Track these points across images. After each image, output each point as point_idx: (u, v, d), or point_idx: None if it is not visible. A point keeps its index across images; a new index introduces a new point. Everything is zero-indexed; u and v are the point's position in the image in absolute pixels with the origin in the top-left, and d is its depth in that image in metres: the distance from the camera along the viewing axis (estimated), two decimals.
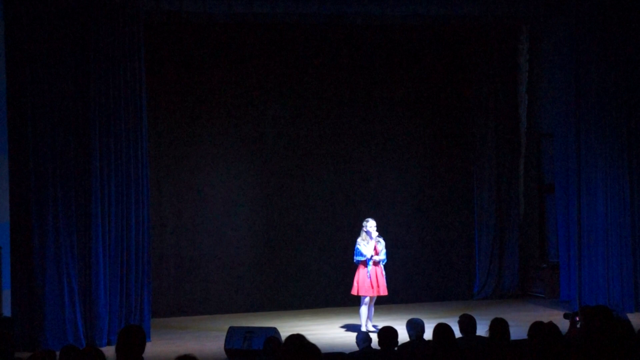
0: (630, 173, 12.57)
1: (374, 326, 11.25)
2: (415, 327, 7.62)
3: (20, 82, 10.79)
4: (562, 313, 11.27)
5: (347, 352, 7.80)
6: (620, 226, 12.49)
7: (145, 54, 11.43)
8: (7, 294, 10.58)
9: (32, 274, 10.77)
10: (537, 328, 5.72)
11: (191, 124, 13.35)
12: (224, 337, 10.11)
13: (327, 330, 11.75)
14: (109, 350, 8.25)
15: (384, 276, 11.33)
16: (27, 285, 10.79)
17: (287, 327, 11.17)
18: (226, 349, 9.97)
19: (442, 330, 6.51)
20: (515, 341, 6.96)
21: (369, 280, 11.19)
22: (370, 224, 11.26)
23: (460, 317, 7.60)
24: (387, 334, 7.06)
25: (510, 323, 6.88)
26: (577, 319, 7.74)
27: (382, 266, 11.31)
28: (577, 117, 12.47)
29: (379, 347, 7.13)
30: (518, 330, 8.42)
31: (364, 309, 11.33)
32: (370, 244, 11.20)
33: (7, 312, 10.47)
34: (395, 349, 7.16)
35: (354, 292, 11.37)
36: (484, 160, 14.48)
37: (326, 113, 13.94)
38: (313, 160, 13.90)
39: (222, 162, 13.55)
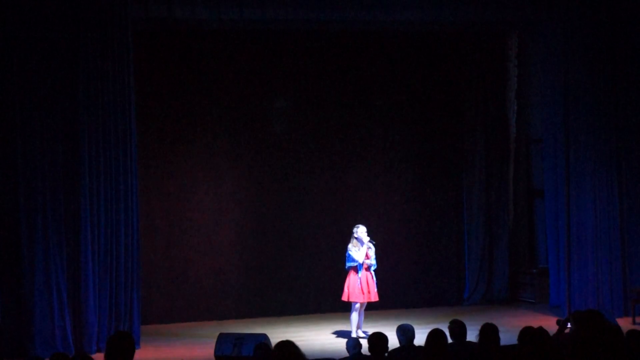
0: (619, 178, 12.62)
1: (364, 332, 11.25)
2: (405, 333, 7.62)
3: (8, 88, 10.75)
4: (551, 318, 11.32)
5: (337, 358, 7.79)
6: (609, 231, 12.54)
7: (135, 59, 11.39)
8: None
9: (21, 280, 10.72)
10: (527, 333, 5.72)
11: (180, 131, 13.32)
12: (213, 344, 10.08)
13: (317, 337, 11.73)
14: (99, 358, 8.22)
15: (375, 282, 11.35)
16: (16, 293, 10.73)
17: (277, 333, 11.13)
18: (216, 356, 9.94)
19: (435, 336, 6.51)
20: (506, 346, 6.95)
21: (360, 286, 11.21)
22: (361, 230, 11.30)
23: (451, 322, 7.60)
24: (378, 339, 7.05)
25: (500, 328, 6.87)
26: (569, 325, 7.74)
27: (373, 271, 11.35)
28: (566, 122, 12.50)
29: (369, 353, 7.13)
30: (508, 335, 8.42)
31: (354, 316, 11.32)
32: (362, 249, 11.23)
33: None
34: (386, 354, 7.16)
35: (344, 298, 11.36)
36: (474, 166, 14.49)
37: (314, 119, 13.91)
38: (302, 166, 13.87)
39: (212, 169, 13.52)
